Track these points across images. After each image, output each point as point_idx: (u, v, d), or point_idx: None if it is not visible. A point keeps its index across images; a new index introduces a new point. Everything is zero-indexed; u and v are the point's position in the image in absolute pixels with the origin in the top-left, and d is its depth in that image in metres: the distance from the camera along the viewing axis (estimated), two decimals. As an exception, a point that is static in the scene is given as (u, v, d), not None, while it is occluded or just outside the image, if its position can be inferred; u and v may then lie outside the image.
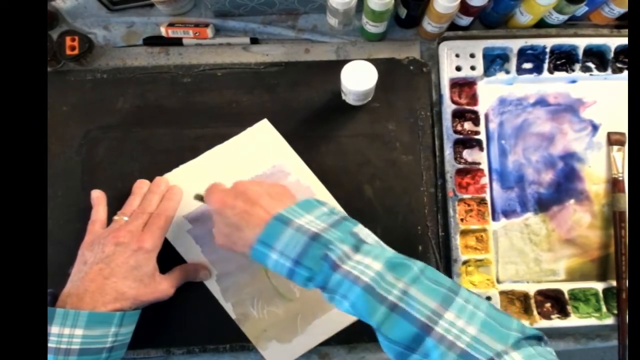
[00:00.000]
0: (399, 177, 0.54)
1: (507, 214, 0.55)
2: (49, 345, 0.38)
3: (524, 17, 0.55)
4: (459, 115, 0.56)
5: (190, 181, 0.52)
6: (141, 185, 0.51)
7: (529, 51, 0.57)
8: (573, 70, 0.57)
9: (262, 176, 0.53)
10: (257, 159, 0.53)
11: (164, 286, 0.46)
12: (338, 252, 0.35)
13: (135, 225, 0.45)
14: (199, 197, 0.47)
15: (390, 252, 0.38)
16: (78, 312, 0.39)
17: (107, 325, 0.41)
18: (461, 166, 0.54)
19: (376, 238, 0.39)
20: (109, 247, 0.44)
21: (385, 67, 0.55)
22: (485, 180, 0.54)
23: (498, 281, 0.53)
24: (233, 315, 0.50)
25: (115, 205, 0.50)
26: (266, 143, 0.54)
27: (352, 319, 0.50)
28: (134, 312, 0.44)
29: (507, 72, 0.57)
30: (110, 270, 0.42)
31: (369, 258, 0.36)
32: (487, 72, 0.57)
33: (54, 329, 0.38)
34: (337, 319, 0.50)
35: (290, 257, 0.36)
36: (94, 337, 0.40)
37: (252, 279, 0.51)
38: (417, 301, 0.33)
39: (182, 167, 0.53)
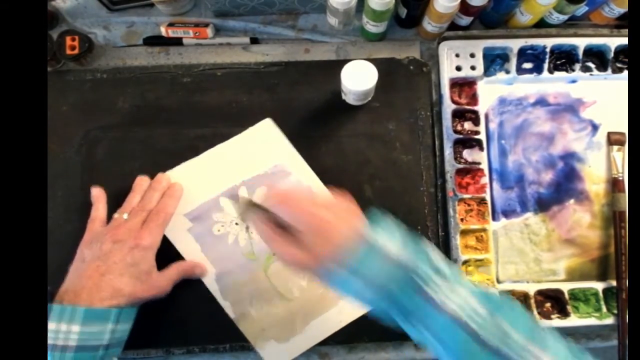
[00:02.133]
0: (398, 177, 0.54)
1: (507, 213, 0.55)
2: (47, 342, 0.38)
3: (524, 17, 0.55)
4: (459, 115, 0.56)
5: (191, 179, 0.52)
6: (141, 183, 0.51)
7: (529, 51, 0.57)
8: (573, 70, 0.57)
9: (264, 175, 0.53)
10: (258, 158, 0.53)
11: (160, 283, 0.46)
12: (430, 283, 0.32)
13: (134, 223, 0.46)
14: (251, 204, 0.38)
15: (469, 283, 0.34)
16: (75, 307, 0.39)
17: (104, 322, 0.41)
18: (461, 166, 0.54)
19: (440, 254, 0.35)
20: (107, 244, 0.44)
21: (385, 67, 0.54)
22: (485, 180, 0.54)
23: (498, 281, 0.53)
24: (231, 315, 0.50)
25: (115, 205, 0.50)
26: (268, 142, 0.54)
27: (351, 318, 0.50)
28: (130, 310, 0.44)
29: (507, 72, 0.57)
30: (107, 267, 0.43)
31: (462, 289, 0.33)
32: (487, 72, 0.57)
33: (50, 325, 0.38)
34: (336, 318, 0.50)
35: (376, 285, 0.33)
36: (90, 334, 0.40)
37: (251, 278, 0.51)
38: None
39: (183, 164, 0.53)
